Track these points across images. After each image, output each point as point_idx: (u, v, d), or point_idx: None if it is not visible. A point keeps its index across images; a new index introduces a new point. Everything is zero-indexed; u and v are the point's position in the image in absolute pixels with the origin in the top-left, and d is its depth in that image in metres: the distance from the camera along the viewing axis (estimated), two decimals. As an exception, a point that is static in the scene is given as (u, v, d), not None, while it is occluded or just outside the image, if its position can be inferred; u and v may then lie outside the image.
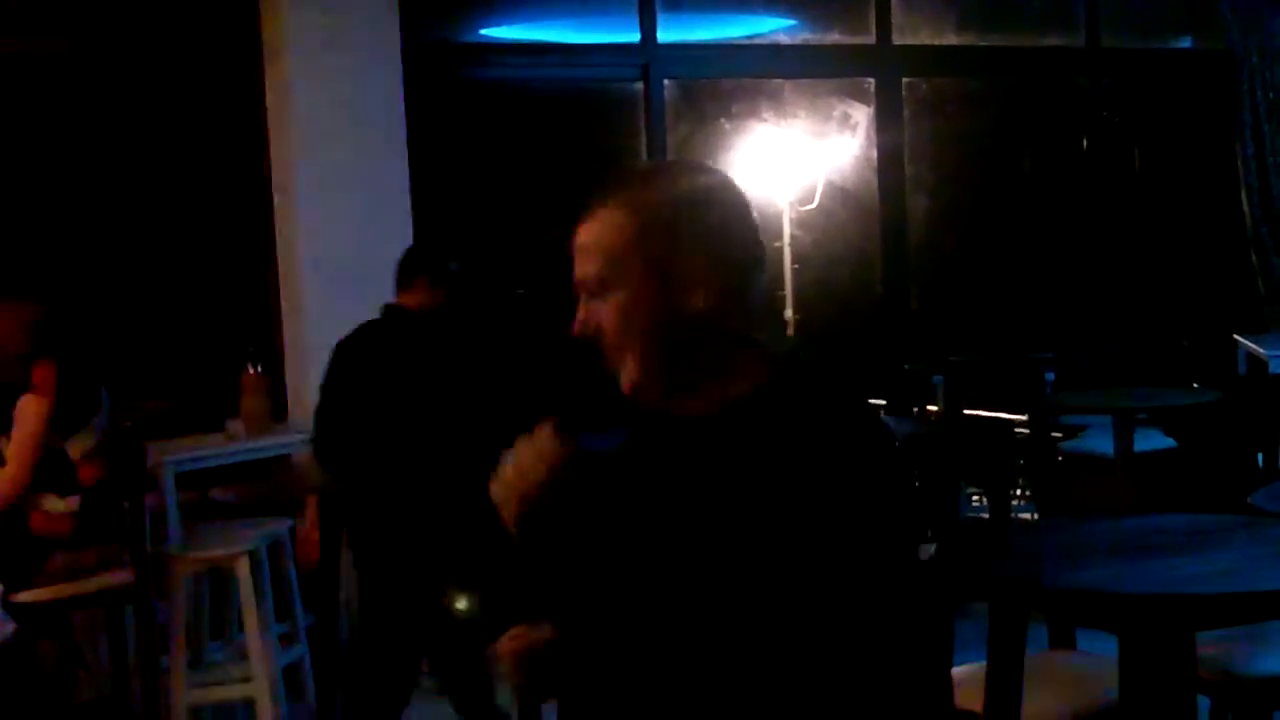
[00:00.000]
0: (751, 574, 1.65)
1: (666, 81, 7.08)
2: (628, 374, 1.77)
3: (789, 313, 7.67)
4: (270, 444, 5.43)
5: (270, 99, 5.97)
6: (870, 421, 1.76)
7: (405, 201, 6.11)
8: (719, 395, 1.76)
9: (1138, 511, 3.25)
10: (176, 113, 6.21)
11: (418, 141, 6.12)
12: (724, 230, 1.79)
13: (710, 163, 7.19)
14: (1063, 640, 3.67)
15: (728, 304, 1.76)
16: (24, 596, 4.31)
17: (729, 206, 1.81)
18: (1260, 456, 5.07)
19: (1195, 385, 5.58)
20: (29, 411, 4.32)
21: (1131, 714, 2.65)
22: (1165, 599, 2.46)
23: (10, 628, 3.96)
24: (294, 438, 5.53)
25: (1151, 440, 5.36)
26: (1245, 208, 7.71)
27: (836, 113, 7.67)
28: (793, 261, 7.65)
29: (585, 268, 1.77)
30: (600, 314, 1.77)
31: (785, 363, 1.79)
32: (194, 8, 6.02)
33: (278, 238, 6.02)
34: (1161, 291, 7.82)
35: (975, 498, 6.61)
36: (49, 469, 4.37)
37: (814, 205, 7.65)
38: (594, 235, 1.77)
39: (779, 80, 7.58)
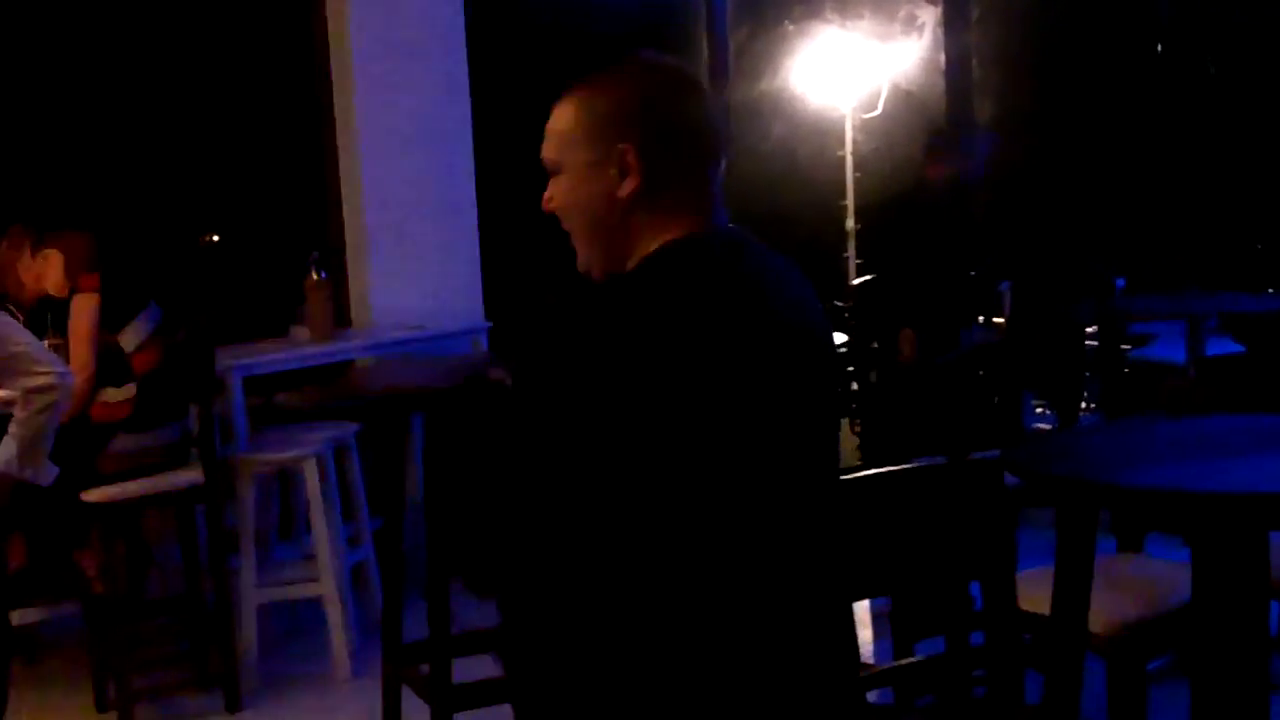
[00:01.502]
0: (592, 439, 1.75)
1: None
2: (578, 251, 1.98)
3: (850, 223, 7.61)
4: (335, 349, 5.47)
5: (331, 30, 5.98)
6: (726, 297, 1.83)
7: (466, 128, 6.15)
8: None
9: (1209, 415, 3.22)
10: (235, 43, 6.25)
11: (479, 71, 6.13)
12: (662, 123, 1.91)
13: (769, 67, 7.15)
14: (1131, 545, 3.66)
15: (657, 191, 1.90)
16: (93, 495, 4.37)
17: (672, 101, 1.93)
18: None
19: (1270, 290, 5.49)
20: (80, 308, 4.48)
21: (1203, 615, 2.63)
22: (1238, 498, 2.43)
23: (54, 471, 4.07)
24: (357, 343, 5.57)
25: (1222, 346, 5.29)
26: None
27: (902, 14, 7.55)
28: (855, 170, 7.58)
29: (545, 151, 1.98)
30: (556, 193, 1.97)
31: (685, 241, 1.89)
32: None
33: (340, 156, 6.03)
34: (1233, 196, 7.68)
35: (1040, 409, 6.57)
36: (103, 363, 4.46)
37: (878, 112, 7.56)
38: (551, 122, 1.97)
39: (843, -19, 7.48)
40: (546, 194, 1.98)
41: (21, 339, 3.94)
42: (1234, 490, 2.44)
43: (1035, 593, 3.09)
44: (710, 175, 1.94)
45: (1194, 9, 7.80)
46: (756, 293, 1.85)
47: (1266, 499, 2.40)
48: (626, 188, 1.90)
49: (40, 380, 3.92)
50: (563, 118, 1.95)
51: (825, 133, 7.70)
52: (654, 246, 1.89)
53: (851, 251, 7.59)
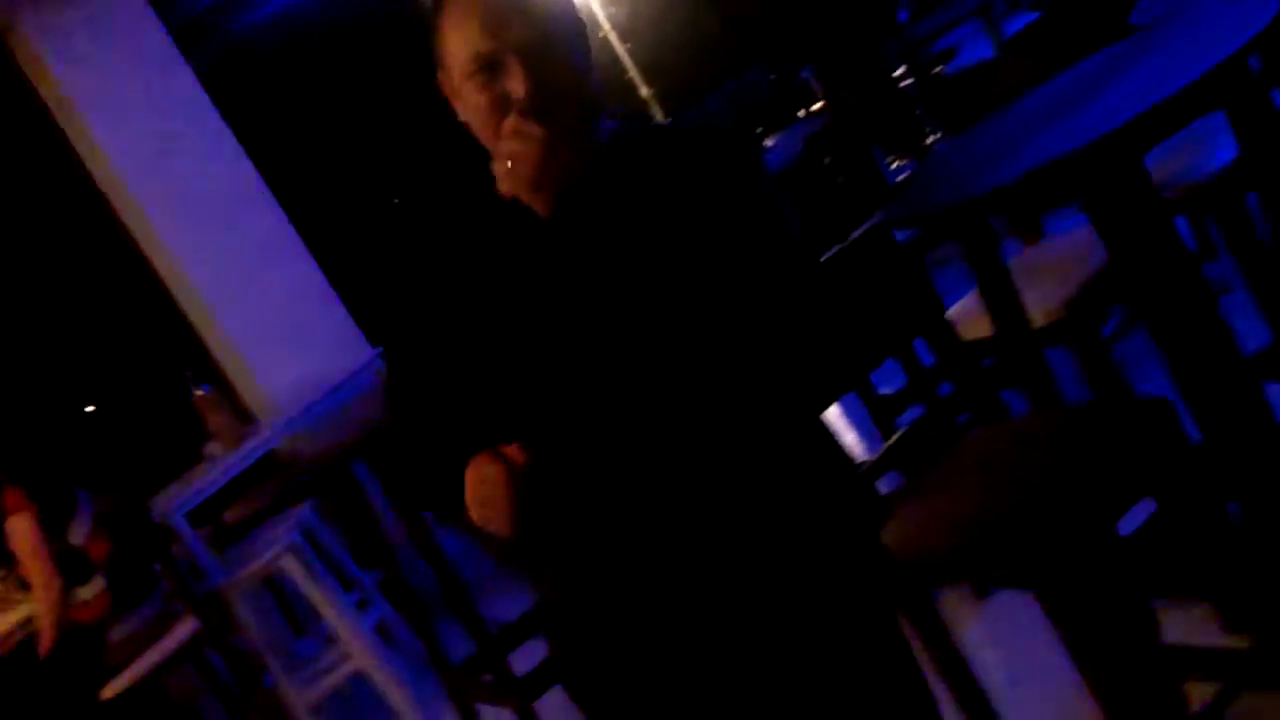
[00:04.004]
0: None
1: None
2: (559, 146, 1.85)
3: (643, 90, 7.63)
4: (252, 447, 5.45)
5: (79, 147, 5.89)
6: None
7: (255, 179, 6.08)
8: None
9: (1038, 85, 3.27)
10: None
11: (231, 103, 6.07)
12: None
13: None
14: (1032, 235, 3.75)
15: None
16: (110, 690, 4.36)
17: None
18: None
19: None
20: (19, 530, 4.38)
21: (1124, 260, 2.70)
22: (1104, 140, 2.45)
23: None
24: (270, 432, 5.55)
25: (1021, 20, 5.37)
26: None
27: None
28: (622, 41, 7.58)
29: (528, 30, 1.85)
30: (546, 77, 1.85)
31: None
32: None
33: (158, 269, 5.97)
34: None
35: (895, 163, 6.66)
36: (64, 567, 4.42)
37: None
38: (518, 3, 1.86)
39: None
40: (528, 79, 1.84)
41: None
42: (1095, 137, 2.49)
43: (976, 320, 3.18)
44: None
45: None
46: None
47: (1127, 129, 2.45)
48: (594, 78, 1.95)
49: None
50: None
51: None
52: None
53: (658, 115, 7.61)
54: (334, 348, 6.06)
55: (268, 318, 5.99)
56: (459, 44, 1.87)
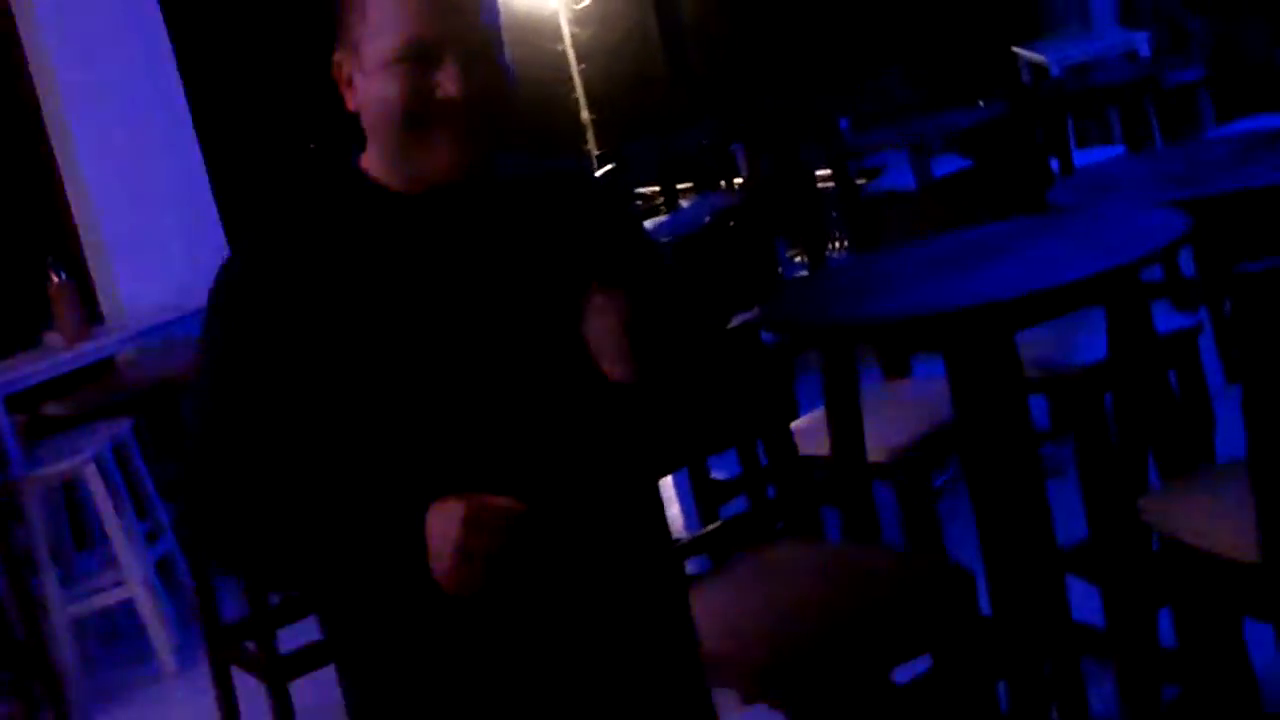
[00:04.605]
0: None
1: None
2: (477, 147, 1.76)
3: (584, 114, 7.65)
4: (92, 348, 5.32)
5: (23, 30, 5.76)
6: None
7: (177, 94, 5.98)
8: None
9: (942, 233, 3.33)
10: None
11: (182, 37, 5.99)
12: None
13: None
14: (897, 372, 3.80)
15: None
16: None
17: None
18: (1054, 162, 5.22)
19: (981, 103, 5.70)
20: None
21: (966, 425, 2.76)
22: (977, 309, 2.52)
23: None
24: (115, 338, 5.44)
25: (950, 165, 5.49)
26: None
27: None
28: (578, 61, 7.61)
29: (472, 22, 1.73)
30: (482, 76, 1.74)
31: None
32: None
33: (56, 150, 5.84)
34: (935, 15, 7.86)
35: (797, 258, 6.73)
36: None
37: (588, 1, 7.58)
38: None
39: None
40: (464, 80, 1.71)
41: None
42: (971, 303, 2.55)
43: (817, 435, 3.21)
44: None
45: None
46: None
47: (1002, 305, 2.51)
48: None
49: None
50: None
51: (538, 30, 7.69)
52: None
53: (591, 143, 7.64)
54: (202, 274, 5.91)
55: (144, 224, 5.87)
56: (387, 24, 1.70)
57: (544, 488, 1.75)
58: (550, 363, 1.78)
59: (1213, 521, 2.47)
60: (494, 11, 1.77)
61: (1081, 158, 5.49)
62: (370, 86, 1.74)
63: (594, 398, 1.78)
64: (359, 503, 1.73)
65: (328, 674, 3.70)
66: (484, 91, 1.73)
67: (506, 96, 1.78)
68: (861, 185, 5.86)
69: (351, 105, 1.79)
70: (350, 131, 1.86)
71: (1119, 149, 5.69)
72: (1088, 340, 3.34)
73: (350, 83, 1.78)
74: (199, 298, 5.43)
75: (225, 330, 1.81)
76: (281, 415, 1.76)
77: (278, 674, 3.68)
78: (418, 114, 1.71)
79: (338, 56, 1.79)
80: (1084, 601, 3.03)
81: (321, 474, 1.76)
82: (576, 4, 7.58)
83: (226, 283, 1.84)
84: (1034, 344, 3.25)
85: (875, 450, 3.16)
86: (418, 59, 1.70)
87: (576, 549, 1.80)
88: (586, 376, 1.75)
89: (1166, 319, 3.52)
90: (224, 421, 1.77)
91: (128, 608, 4.81)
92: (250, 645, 3.79)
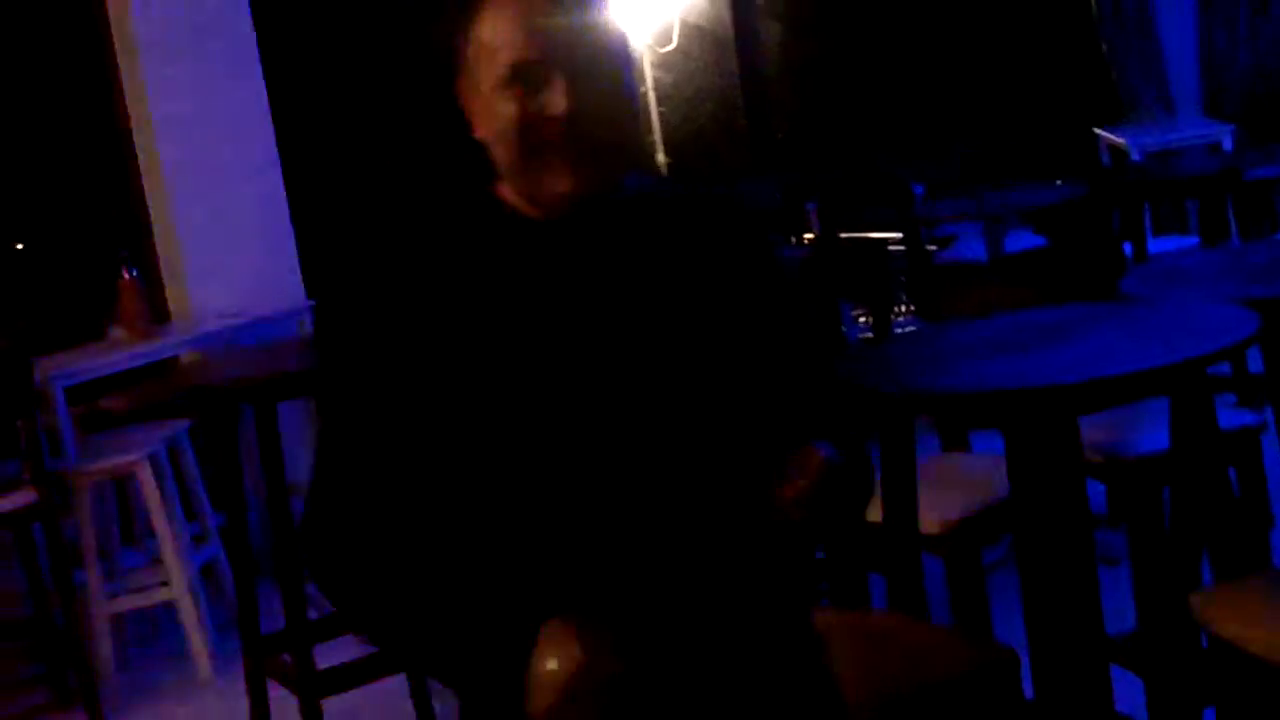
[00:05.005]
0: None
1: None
2: (605, 164, 1.75)
3: (660, 156, 7.68)
4: (156, 347, 5.38)
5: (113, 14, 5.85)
6: None
7: (263, 106, 6.05)
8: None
9: (1013, 311, 3.33)
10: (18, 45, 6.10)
11: (270, 46, 6.06)
12: None
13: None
14: (955, 443, 3.79)
15: None
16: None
17: None
18: (1128, 246, 5.20)
19: (1059, 182, 5.68)
20: None
21: (1022, 504, 2.75)
22: (1042, 390, 2.52)
23: None
24: (178, 338, 5.49)
25: (1023, 240, 5.47)
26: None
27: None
28: (658, 105, 7.64)
29: (572, 38, 1.70)
30: (593, 94, 1.71)
31: None
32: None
33: (137, 146, 5.91)
34: (1016, 91, 7.88)
35: (861, 319, 6.72)
36: None
37: (673, 45, 7.62)
38: (582, 11, 1.72)
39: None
40: (571, 98, 1.69)
41: None
42: (1036, 384, 2.54)
43: (873, 503, 3.20)
44: None
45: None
46: None
47: (1068, 388, 2.51)
48: None
49: None
50: (595, 10, 1.73)
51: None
52: None
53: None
54: (269, 284, 6.00)
55: (219, 231, 5.92)
56: (495, 49, 1.71)
57: (680, 534, 1.73)
58: (692, 395, 1.75)
59: (1265, 626, 2.45)
60: (607, 31, 1.74)
61: (1155, 245, 5.48)
62: (487, 111, 1.75)
63: (736, 446, 1.75)
64: (472, 599, 1.69)
65: (361, 693, 3.74)
66: (596, 109, 1.71)
67: (626, 115, 1.77)
68: (932, 252, 5.85)
69: (479, 133, 1.79)
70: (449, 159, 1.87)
71: (1193, 240, 5.67)
72: (1151, 429, 3.34)
73: (472, 110, 1.79)
74: (264, 306, 5.51)
75: (352, 372, 1.78)
76: (414, 460, 1.74)
77: (312, 689, 3.69)
78: (530, 135, 1.71)
79: (460, 81, 1.79)
80: (1128, 693, 3.00)
81: (443, 534, 1.73)
82: (662, 47, 7.62)
83: (345, 323, 1.80)
84: (1096, 428, 3.24)
85: (928, 520, 3.15)
86: (526, 81, 1.70)
87: (712, 613, 1.76)
88: (729, 416, 1.74)
89: (1231, 415, 3.51)
90: (354, 468, 1.76)
91: (168, 609, 4.84)
92: (286, 658, 3.81)
